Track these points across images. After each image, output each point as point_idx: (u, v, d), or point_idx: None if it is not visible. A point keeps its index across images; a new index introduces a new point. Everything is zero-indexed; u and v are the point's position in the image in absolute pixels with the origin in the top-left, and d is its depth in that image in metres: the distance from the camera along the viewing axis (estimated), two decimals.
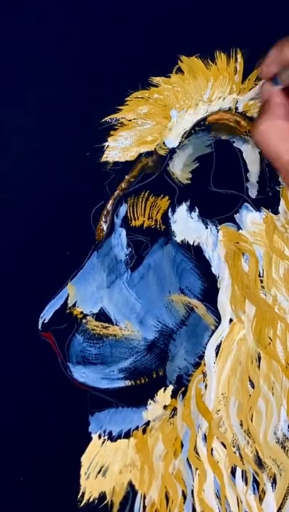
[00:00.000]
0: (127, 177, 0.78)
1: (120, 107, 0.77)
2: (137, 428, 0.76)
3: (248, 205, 0.75)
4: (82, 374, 0.76)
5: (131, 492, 0.75)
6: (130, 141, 0.77)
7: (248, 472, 0.73)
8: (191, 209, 0.76)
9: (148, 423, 0.76)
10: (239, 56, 0.77)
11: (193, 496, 0.74)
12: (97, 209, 0.79)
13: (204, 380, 0.75)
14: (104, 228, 0.79)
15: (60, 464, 0.77)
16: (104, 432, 0.76)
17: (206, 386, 0.75)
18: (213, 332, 0.74)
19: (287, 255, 0.75)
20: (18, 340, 0.78)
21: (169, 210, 0.76)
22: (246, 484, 0.73)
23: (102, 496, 0.76)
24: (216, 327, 0.74)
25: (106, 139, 0.77)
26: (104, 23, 0.79)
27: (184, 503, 0.74)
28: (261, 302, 0.73)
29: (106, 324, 0.76)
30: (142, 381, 0.76)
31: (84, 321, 0.76)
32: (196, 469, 0.74)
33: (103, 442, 0.76)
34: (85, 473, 0.76)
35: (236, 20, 0.78)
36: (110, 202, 0.79)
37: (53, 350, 0.77)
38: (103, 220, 0.79)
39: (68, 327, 0.76)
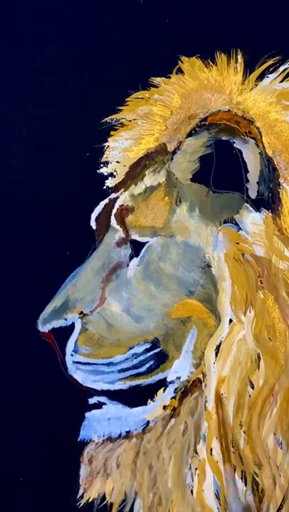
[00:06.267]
0: (127, 177, 0.78)
1: (120, 108, 0.77)
2: (136, 428, 0.76)
3: (248, 205, 0.75)
4: (81, 374, 0.76)
5: (130, 492, 0.75)
6: (130, 141, 0.77)
7: (248, 472, 0.73)
8: (191, 209, 0.76)
9: (148, 423, 0.76)
10: (239, 57, 0.77)
11: (192, 496, 0.74)
12: (97, 209, 0.79)
13: (204, 380, 0.75)
14: (104, 228, 0.79)
15: (59, 464, 0.77)
16: (104, 432, 0.76)
17: (205, 386, 0.75)
18: (213, 332, 0.74)
19: (287, 256, 0.75)
20: (18, 341, 0.78)
21: (169, 211, 0.76)
22: (246, 485, 0.73)
23: (102, 497, 0.76)
24: (216, 327, 0.74)
25: (106, 139, 0.77)
26: (105, 24, 0.79)
27: (184, 503, 0.74)
28: (261, 303, 0.73)
29: (106, 324, 0.76)
30: (142, 381, 0.76)
31: (84, 320, 0.76)
32: (196, 469, 0.74)
33: (103, 442, 0.76)
34: (85, 473, 0.76)
35: (237, 20, 0.78)
36: (110, 202, 0.79)
37: (53, 350, 0.77)
38: (103, 220, 0.79)
39: (68, 327, 0.76)
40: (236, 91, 0.76)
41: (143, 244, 0.77)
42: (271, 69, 0.77)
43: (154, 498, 0.75)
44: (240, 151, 0.75)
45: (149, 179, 0.77)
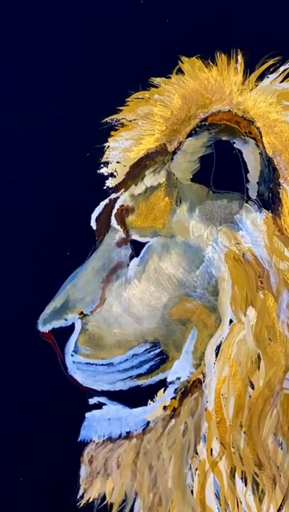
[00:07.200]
0: (127, 177, 0.78)
1: (120, 108, 0.77)
2: (136, 429, 0.76)
3: (248, 205, 0.75)
4: (81, 374, 0.76)
5: (131, 492, 0.75)
6: (131, 141, 0.77)
7: (248, 473, 0.73)
8: (191, 209, 0.76)
9: (148, 424, 0.76)
10: (240, 57, 0.77)
11: (193, 496, 0.74)
12: (97, 209, 0.79)
13: (204, 381, 0.75)
14: (105, 228, 0.79)
15: (59, 464, 0.77)
16: (104, 432, 0.76)
17: (205, 386, 0.75)
18: (213, 333, 0.74)
19: (287, 256, 0.75)
20: (18, 341, 0.78)
21: (170, 211, 0.76)
22: (246, 485, 0.73)
23: (102, 497, 0.76)
24: (216, 328, 0.74)
25: (106, 139, 0.77)
26: (105, 24, 0.79)
27: (184, 503, 0.74)
28: (261, 303, 0.73)
29: (106, 324, 0.76)
30: (142, 382, 0.76)
31: (84, 321, 0.76)
32: (196, 470, 0.74)
33: (103, 443, 0.76)
34: (85, 474, 0.76)
35: (237, 20, 0.78)
36: (111, 202, 0.79)
37: (53, 350, 0.77)
38: (103, 220, 0.79)
39: (68, 327, 0.77)
40: (236, 91, 0.76)
41: (143, 244, 0.77)
42: (271, 69, 0.77)
43: (155, 498, 0.75)
44: (240, 151, 0.75)
45: (150, 179, 0.77)
